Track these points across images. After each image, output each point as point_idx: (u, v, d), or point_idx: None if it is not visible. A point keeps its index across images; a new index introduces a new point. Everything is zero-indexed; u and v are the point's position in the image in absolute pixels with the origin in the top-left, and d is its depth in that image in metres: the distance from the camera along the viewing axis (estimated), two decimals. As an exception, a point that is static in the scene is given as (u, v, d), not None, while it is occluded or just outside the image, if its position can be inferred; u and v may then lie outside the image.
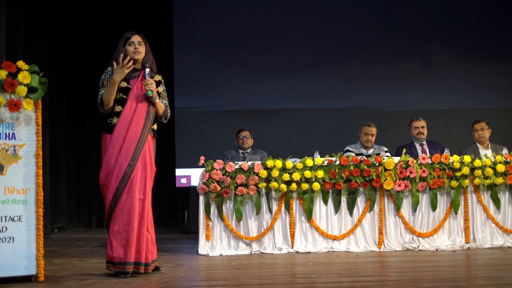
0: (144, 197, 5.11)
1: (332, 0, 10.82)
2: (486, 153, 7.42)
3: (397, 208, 6.83)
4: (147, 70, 5.19)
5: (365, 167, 6.75)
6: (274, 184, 6.68)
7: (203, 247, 6.69)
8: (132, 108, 5.14)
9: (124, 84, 5.16)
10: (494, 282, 4.87)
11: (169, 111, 5.42)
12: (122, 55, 5.10)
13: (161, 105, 5.30)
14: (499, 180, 6.85)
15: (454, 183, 6.83)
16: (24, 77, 4.83)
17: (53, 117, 9.90)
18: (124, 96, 5.14)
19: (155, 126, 5.29)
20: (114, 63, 5.09)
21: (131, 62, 5.10)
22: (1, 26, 7.40)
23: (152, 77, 5.27)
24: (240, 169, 6.73)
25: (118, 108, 5.13)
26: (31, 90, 4.87)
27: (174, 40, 10.66)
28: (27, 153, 4.92)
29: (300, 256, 6.50)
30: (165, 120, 5.40)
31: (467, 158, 6.88)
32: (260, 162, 6.83)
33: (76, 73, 10.48)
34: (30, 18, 9.06)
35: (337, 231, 6.83)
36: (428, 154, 7.38)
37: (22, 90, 4.82)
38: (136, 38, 5.25)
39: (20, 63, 4.86)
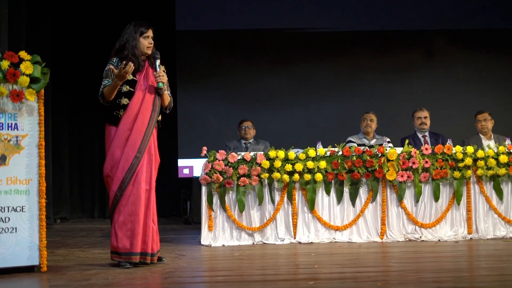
0: (150, 188, 5.13)
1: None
2: (489, 144, 7.40)
3: (400, 199, 6.83)
4: (158, 61, 5.21)
5: (368, 158, 6.74)
6: (276, 175, 6.68)
7: (206, 237, 6.70)
8: (139, 101, 5.14)
9: (130, 77, 5.15)
10: (496, 272, 4.88)
11: (172, 101, 5.43)
12: (124, 62, 5.03)
13: (168, 96, 5.31)
14: (502, 171, 6.84)
15: (456, 173, 6.82)
16: (27, 67, 4.83)
17: (56, 108, 9.90)
18: (131, 89, 5.14)
19: (159, 117, 5.30)
20: (112, 68, 5.06)
21: (132, 67, 5.05)
22: (3, 16, 7.38)
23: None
24: (243, 160, 6.73)
25: (125, 101, 5.13)
26: (33, 80, 4.87)
27: (176, 30, 10.63)
28: (30, 144, 4.92)
29: (302, 246, 6.51)
30: (168, 111, 5.42)
31: (470, 149, 6.88)
32: (262, 152, 6.83)
33: (79, 63, 10.47)
34: (32, 8, 9.04)
35: (340, 222, 6.83)
36: (430, 145, 7.34)
37: (25, 81, 4.81)
38: (150, 33, 5.27)
39: (23, 54, 4.86)
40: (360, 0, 10.72)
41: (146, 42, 5.24)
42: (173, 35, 10.57)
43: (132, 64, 5.05)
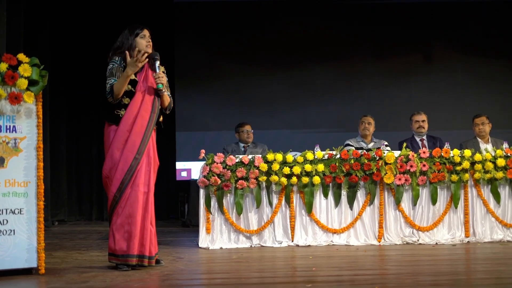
0: (148, 191, 5.13)
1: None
2: (487, 147, 7.42)
3: (397, 202, 6.83)
4: (157, 62, 5.21)
5: (366, 161, 6.75)
6: (274, 178, 6.68)
7: (204, 240, 6.70)
8: (138, 101, 5.14)
9: (132, 76, 5.16)
10: (493, 276, 4.88)
11: (172, 102, 5.44)
12: (137, 49, 5.13)
13: (167, 97, 5.32)
14: (499, 174, 6.85)
15: (454, 177, 6.83)
16: (25, 69, 4.83)
17: (54, 110, 9.90)
18: (133, 89, 5.15)
19: (160, 118, 5.30)
20: (127, 55, 5.10)
21: (145, 56, 5.12)
22: (2, 19, 7.38)
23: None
24: (241, 163, 6.73)
25: (126, 100, 5.13)
26: (31, 83, 4.87)
27: (174, 32, 10.67)
28: (28, 146, 4.92)
29: (300, 249, 6.51)
30: (168, 111, 5.43)
31: (467, 152, 6.89)
32: (260, 155, 6.84)
33: (77, 66, 10.49)
34: (30, 11, 9.05)
35: (337, 225, 6.84)
36: (428, 149, 7.36)
37: (23, 83, 4.81)
38: (147, 32, 5.27)
39: (21, 56, 4.86)
40: (359, 4, 10.75)
41: (144, 41, 5.24)
42: (171, 39, 10.60)
43: (144, 53, 5.11)
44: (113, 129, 5.13)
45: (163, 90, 5.22)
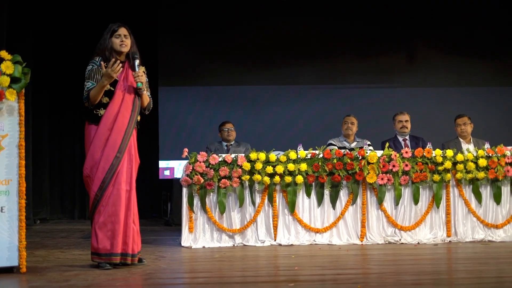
0: (130, 189, 5.12)
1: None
2: (468, 148, 7.46)
3: (380, 202, 6.86)
4: (137, 61, 5.20)
5: (348, 161, 6.77)
6: (257, 177, 6.68)
7: (186, 239, 6.69)
8: (119, 100, 5.12)
9: None
10: (475, 275, 4.92)
11: (151, 102, 5.42)
12: (113, 60, 5.06)
13: (147, 96, 5.30)
14: (481, 175, 6.90)
15: (436, 177, 6.87)
16: (7, 67, 4.80)
17: (36, 108, 9.83)
18: (112, 88, 5.12)
19: (138, 117, 5.28)
20: (103, 66, 5.06)
21: (120, 66, 5.06)
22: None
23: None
24: (224, 162, 6.73)
25: (105, 100, 5.11)
26: (14, 80, 4.84)
27: (158, 30, 10.65)
28: (10, 144, 4.89)
29: (282, 248, 6.52)
30: (147, 112, 5.42)
31: (449, 153, 6.92)
32: (243, 154, 6.84)
33: (59, 64, 10.42)
34: (14, 9, 8.97)
35: (320, 224, 6.85)
36: (410, 149, 7.38)
37: (5, 80, 4.78)
38: (122, 31, 5.22)
39: (3, 53, 4.83)
40: (342, 3, 10.77)
41: (118, 41, 5.21)
42: (155, 37, 10.57)
43: (120, 62, 5.05)
44: (93, 129, 5.11)
45: (143, 89, 5.20)
